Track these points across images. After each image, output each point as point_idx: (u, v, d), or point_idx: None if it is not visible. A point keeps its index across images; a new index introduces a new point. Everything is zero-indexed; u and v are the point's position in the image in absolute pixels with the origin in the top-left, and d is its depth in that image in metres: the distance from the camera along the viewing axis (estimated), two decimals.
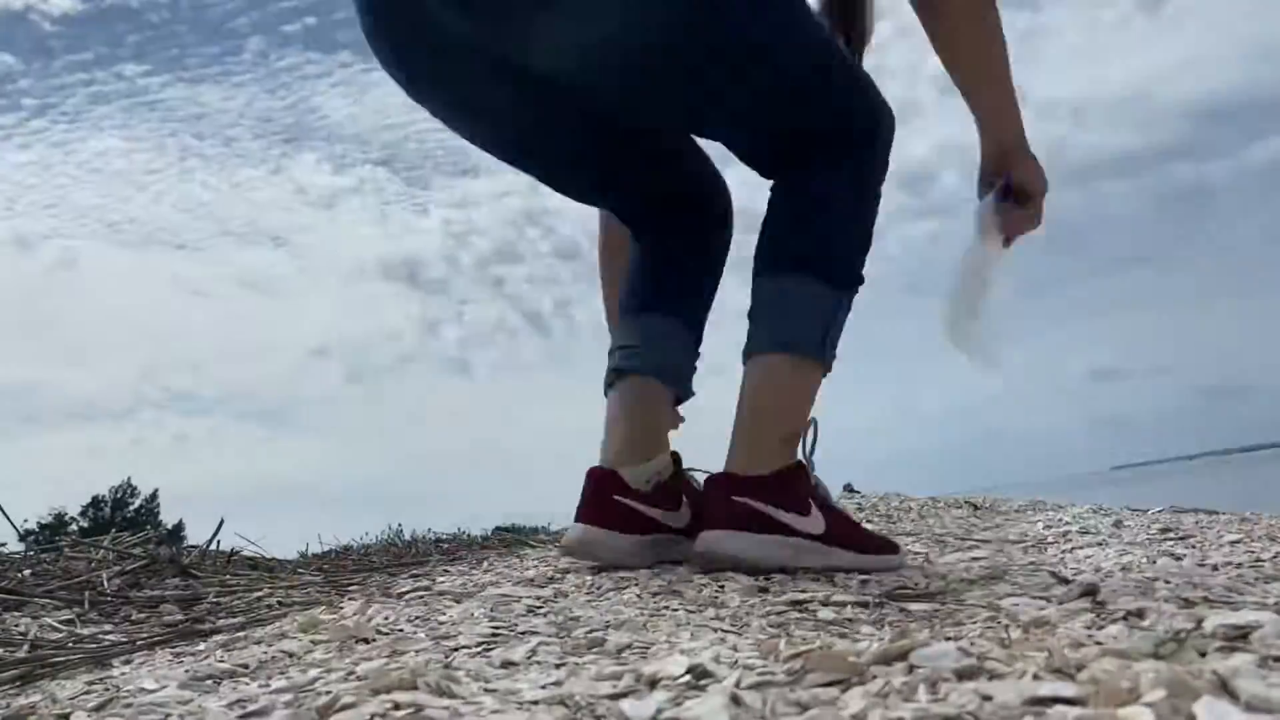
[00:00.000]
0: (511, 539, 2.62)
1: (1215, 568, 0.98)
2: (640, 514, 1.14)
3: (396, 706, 0.47)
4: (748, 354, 1.13)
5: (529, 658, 0.63)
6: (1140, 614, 0.62)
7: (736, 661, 0.54)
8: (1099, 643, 0.52)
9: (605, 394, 1.25)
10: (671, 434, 1.26)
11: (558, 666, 0.59)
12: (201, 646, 0.95)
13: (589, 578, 1.05)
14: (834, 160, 1.15)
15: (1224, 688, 0.39)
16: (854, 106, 1.17)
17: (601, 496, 1.14)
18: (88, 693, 0.68)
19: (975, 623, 0.69)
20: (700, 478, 1.20)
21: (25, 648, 1.06)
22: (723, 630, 0.73)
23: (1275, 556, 1.07)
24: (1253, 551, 1.16)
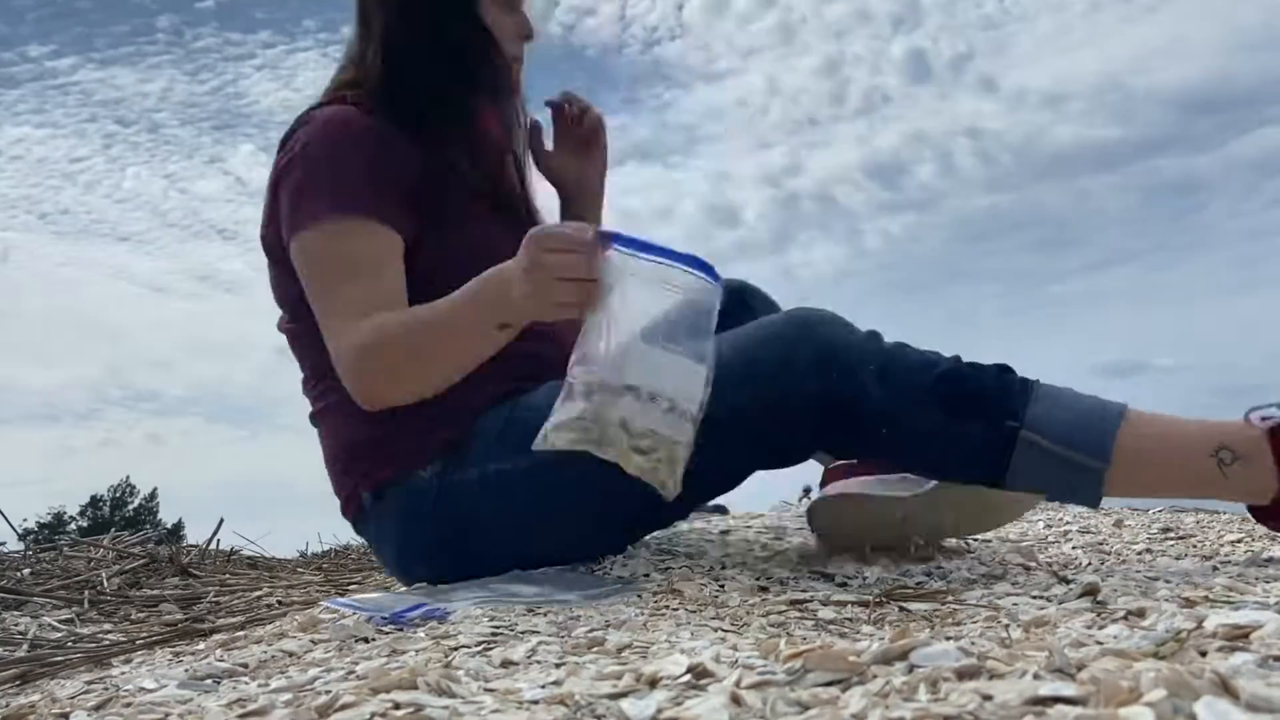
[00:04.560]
0: None
1: (1215, 568, 0.98)
2: None
3: (396, 706, 0.47)
4: None
5: (529, 657, 0.63)
6: (1140, 614, 0.62)
7: (736, 661, 0.54)
8: (1099, 642, 0.52)
9: None
10: None
11: (558, 666, 0.59)
12: (201, 646, 0.95)
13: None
14: None
15: (1224, 687, 0.39)
16: None
17: None
18: (87, 692, 0.68)
19: (975, 623, 0.70)
20: None
21: (25, 647, 1.06)
22: (723, 630, 0.73)
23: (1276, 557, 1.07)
24: (1253, 551, 1.16)
